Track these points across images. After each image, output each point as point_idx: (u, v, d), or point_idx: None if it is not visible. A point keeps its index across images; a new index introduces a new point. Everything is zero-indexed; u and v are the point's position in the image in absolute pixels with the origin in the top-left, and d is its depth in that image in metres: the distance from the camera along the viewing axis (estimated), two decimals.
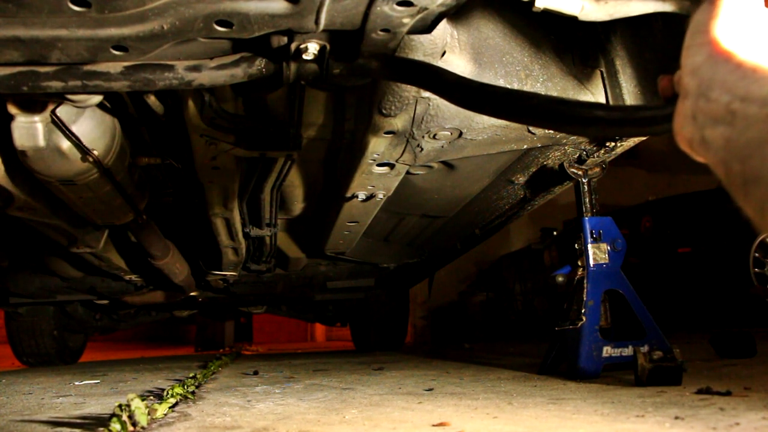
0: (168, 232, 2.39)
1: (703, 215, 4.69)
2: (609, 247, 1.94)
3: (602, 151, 1.85)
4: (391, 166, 1.66)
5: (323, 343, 10.96)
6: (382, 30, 0.94)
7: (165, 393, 1.80)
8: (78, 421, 1.50)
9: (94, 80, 1.00)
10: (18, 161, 1.38)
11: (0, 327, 4.77)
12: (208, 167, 1.64)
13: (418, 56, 1.17)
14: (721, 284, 4.45)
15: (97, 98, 1.20)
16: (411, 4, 0.88)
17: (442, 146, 1.58)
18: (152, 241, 2.21)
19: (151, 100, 1.37)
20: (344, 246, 2.62)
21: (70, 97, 1.12)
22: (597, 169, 1.97)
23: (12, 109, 1.19)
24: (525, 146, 1.71)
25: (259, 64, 1.04)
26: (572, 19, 1.00)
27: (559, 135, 1.67)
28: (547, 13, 0.99)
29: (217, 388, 2.18)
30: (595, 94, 1.52)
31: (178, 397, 1.77)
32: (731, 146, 0.43)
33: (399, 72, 1.07)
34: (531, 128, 1.58)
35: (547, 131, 1.60)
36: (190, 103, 1.34)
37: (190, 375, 2.50)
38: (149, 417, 1.36)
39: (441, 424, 1.25)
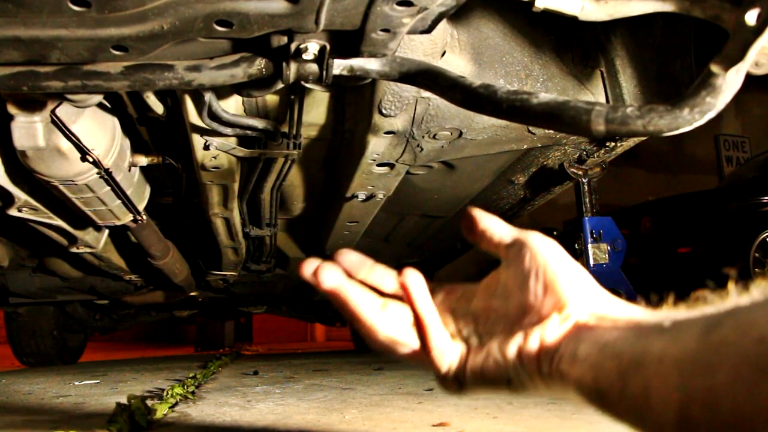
0: (168, 232, 2.39)
1: (703, 215, 4.69)
2: (609, 247, 1.95)
3: (602, 151, 1.85)
4: (391, 166, 1.66)
5: (323, 343, 10.96)
6: (382, 30, 0.94)
7: (165, 393, 1.80)
8: (78, 421, 1.50)
9: (94, 80, 1.00)
10: (18, 161, 1.38)
11: (0, 327, 4.77)
12: (208, 167, 1.64)
13: (418, 56, 1.17)
14: (721, 284, 4.45)
15: (97, 98, 1.20)
16: (411, 4, 0.88)
17: (442, 146, 1.58)
18: (152, 241, 2.21)
19: (151, 100, 1.37)
20: (344, 246, 2.61)
21: (70, 97, 1.12)
22: (597, 169, 1.97)
23: (12, 109, 1.19)
24: (525, 146, 1.71)
25: (259, 64, 1.03)
26: (572, 19, 1.00)
27: (559, 135, 1.67)
28: (547, 13, 0.99)
29: (217, 388, 2.18)
30: (595, 94, 1.52)
31: (178, 397, 1.77)
32: (605, 350, 0.44)
33: (399, 72, 1.07)
34: (531, 128, 1.58)
35: (547, 131, 1.60)
36: (190, 103, 1.34)
37: (190, 375, 2.50)
38: (149, 417, 1.36)
39: (441, 424, 1.25)
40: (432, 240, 2.90)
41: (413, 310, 0.56)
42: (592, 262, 1.92)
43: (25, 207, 1.66)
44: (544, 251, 0.53)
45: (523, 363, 0.50)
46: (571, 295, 0.50)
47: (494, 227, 0.59)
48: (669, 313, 0.42)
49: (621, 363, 0.41)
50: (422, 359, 0.57)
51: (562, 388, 0.47)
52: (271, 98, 1.46)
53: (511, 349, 0.51)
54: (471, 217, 0.61)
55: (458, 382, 0.55)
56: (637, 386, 0.39)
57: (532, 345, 0.49)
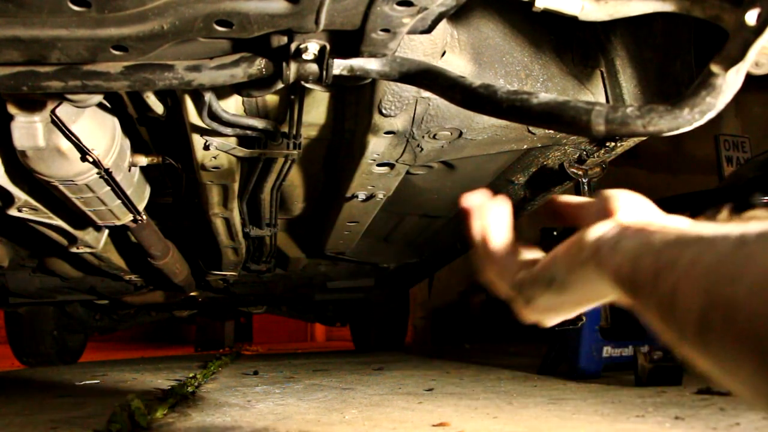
0: (168, 232, 2.39)
1: (704, 215, 4.68)
2: None
3: (602, 151, 1.85)
4: (391, 166, 1.66)
5: (323, 343, 10.96)
6: (382, 30, 0.94)
7: (165, 393, 1.80)
8: (78, 421, 1.50)
9: (94, 80, 1.00)
10: (18, 161, 1.38)
11: (0, 327, 4.77)
12: (208, 167, 1.64)
13: (418, 56, 1.16)
14: None
15: (97, 98, 1.20)
16: (411, 4, 0.88)
17: (442, 146, 1.58)
18: (152, 241, 2.21)
19: (151, 100, 1.37)
20: (344, 246, 2.61)
21: (70, 97, 1.12)
22: (597, 169, 1.97)
23: (12, 109, 1.19)
24: (525, 146, 1.71)
25: (259, 64, 1.03)
26: (572, 19, 1.00)
27: (559, 135, 1.67)
28: (547, 13, 0.99)
29: (217, 388, 2.18)
30: (595, 94, 1.51)
31: (178, 397, 1.77)
32: (645, 247, 0.45)
33: (399, 72, 1.07)
34: (531, 128, 1.57)
35: (547, 131, 1.60)
36: (190, 103, 1.34)
37: (190, 375, 2.50)
38: (149, 417, 1.36)
39: (441, 424, 1.25)
40: (432, 240, 2.90)
41: (471, 225, 0.64)
42: None
43: (25, 207, 1.66)
44: (610, 191, 0.57)
45: (561, 259, 0.54)
46: (622, 208, 0.53)
47: (574, 205, 0.64)
48: (714, 225, 0.44)
49: (658, 261, 0.43)
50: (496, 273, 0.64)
51: (598, 276, 0.49)
52: (271, 98, 1.46)
53: (554, 251, 0.56)
54: (555, 203, 0.67)
55: (518, 288, 0.60)
56: (668, 285, 0.41)
57: (572, 241, 0.53)
